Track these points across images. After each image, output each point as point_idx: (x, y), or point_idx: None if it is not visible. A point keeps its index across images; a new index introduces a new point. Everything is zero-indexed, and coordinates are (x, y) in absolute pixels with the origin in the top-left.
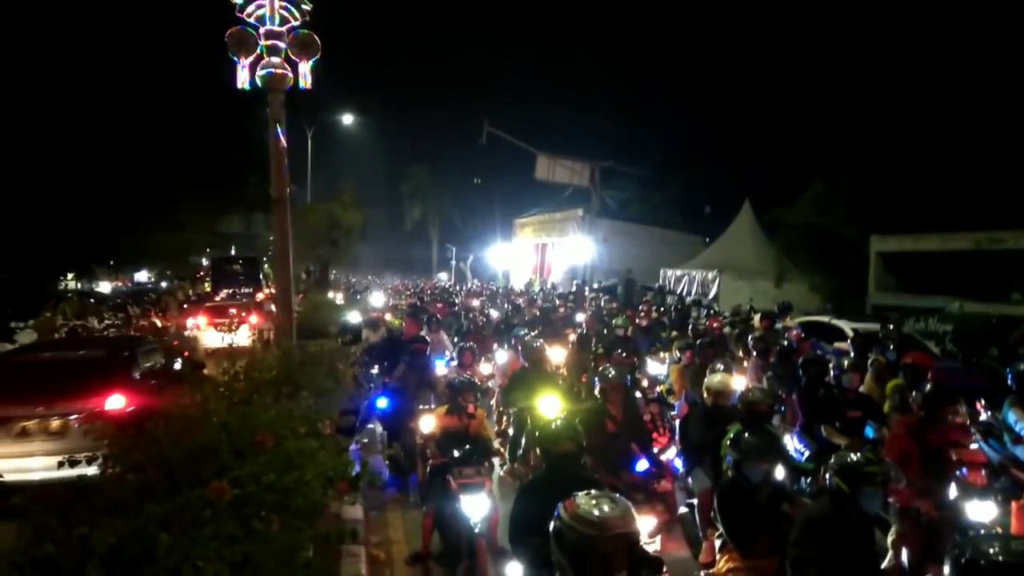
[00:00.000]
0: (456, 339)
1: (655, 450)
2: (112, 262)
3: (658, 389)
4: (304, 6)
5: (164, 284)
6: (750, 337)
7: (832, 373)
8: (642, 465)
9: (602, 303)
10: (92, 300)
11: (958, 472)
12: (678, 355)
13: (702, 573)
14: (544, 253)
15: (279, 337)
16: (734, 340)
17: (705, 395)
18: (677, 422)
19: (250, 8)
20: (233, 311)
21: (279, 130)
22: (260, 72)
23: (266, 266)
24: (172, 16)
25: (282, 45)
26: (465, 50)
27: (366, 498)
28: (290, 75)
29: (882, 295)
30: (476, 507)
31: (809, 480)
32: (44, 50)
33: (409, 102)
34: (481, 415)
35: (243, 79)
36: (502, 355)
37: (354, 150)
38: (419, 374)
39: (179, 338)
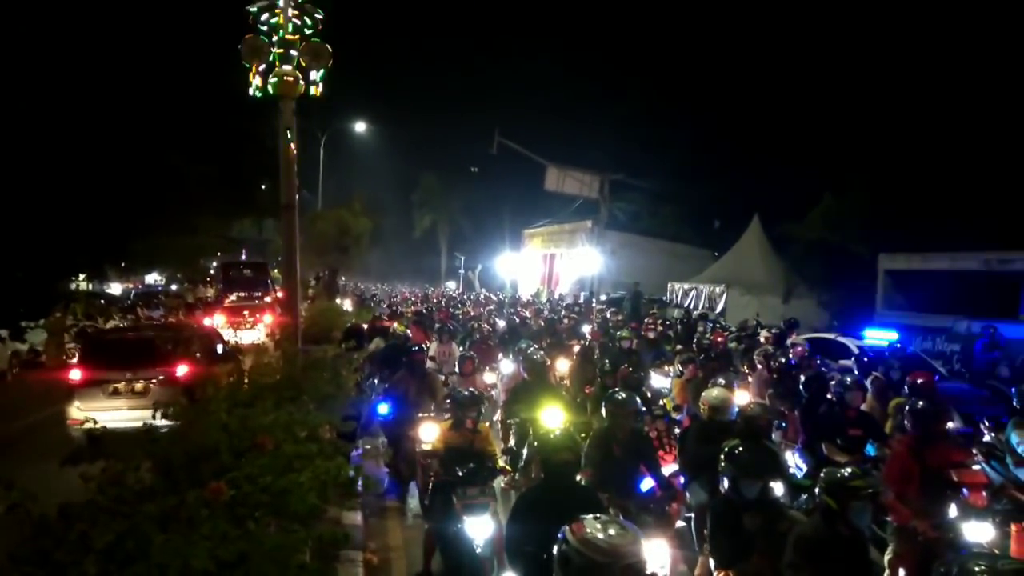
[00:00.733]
0: (461, 348)
1: (662, 469)
2: (124, 264)
3: (662, 402)
4: (317, 15)
5: (174, 287)
6: (755, 352)
7: (834, 390)
8: (647, 484)
9: (608, 315)
10: (103, 301)
11: (960, 493)
12: (681, 368)
13: None
14: (552, 264)
15: (282, 342)
16: (739, 355)
17: (703, 409)
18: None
19: (264, 16)
20: (247, 312)
21: (289, 137)
22: (272, 80)
23: (275, 271)
24: (190, 23)
25: (294, 53)
26: (477, 60)
27: (366, 504)
28: (301, 83)
29: (890, 313)
30: (480, 529)
31: (806, 497)
32: (64, 53)
33: (421, 111)
34: (486, 430)
35: (255, 86)
36: (507, 365)
37: (365, 157)
38: (418, 381)
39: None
